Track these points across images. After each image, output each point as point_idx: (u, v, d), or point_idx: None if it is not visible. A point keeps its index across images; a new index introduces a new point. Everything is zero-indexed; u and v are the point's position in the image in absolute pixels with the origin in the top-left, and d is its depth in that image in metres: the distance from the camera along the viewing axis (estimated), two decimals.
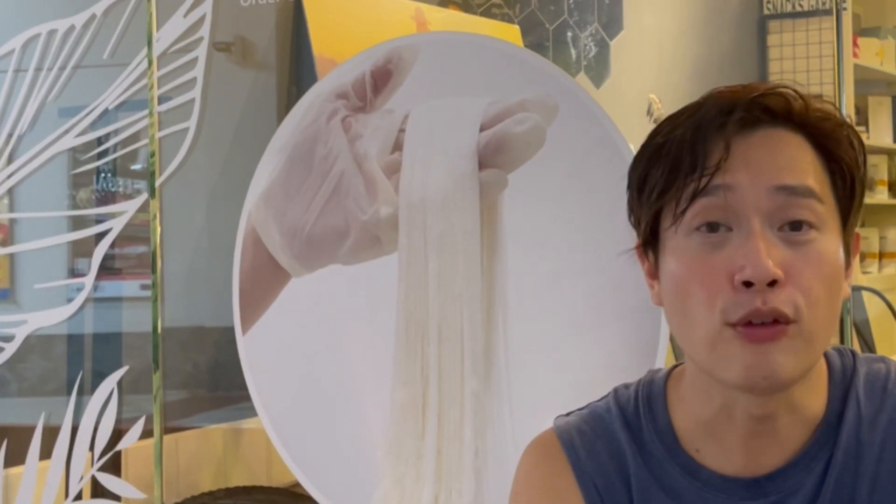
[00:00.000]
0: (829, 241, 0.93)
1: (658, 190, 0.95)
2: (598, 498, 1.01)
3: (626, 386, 1.07)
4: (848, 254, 0.97)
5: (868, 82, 4.70)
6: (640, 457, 1.02)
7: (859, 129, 4.90)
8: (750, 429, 0.97)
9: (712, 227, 0.93)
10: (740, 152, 0.93)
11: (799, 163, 0.94)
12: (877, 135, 4.87)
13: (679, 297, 0.95)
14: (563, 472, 1.03)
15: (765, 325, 0.90)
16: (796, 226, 0.92)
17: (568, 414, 1.08)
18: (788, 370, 0.92)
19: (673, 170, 0.94)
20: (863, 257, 4.71)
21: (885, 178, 4.91)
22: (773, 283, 0.90)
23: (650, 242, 0.99)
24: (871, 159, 4.86)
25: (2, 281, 2.58)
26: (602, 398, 1.08)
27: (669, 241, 0.96)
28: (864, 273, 4.68)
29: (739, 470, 0.98)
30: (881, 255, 4.89)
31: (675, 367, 1.06)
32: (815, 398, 0.98)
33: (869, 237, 4.82)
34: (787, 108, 0.95)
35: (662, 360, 1.55)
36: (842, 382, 1.00)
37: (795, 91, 0.96)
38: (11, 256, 2.46)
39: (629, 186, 1.00)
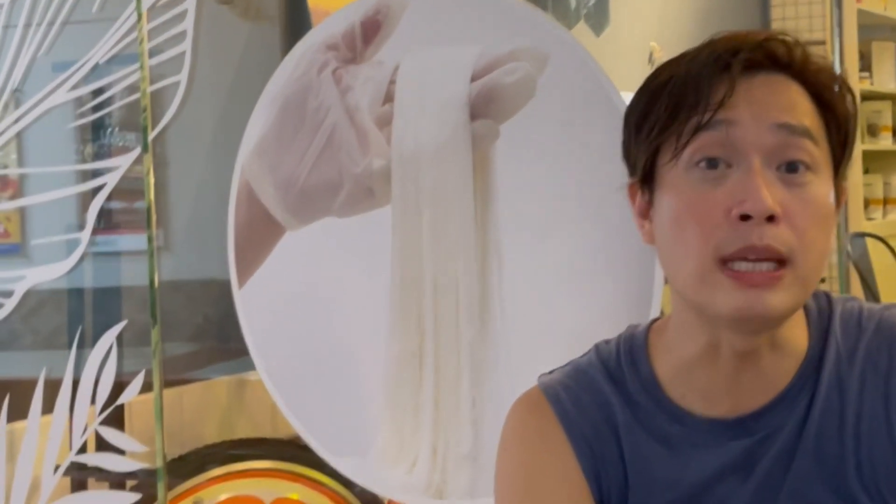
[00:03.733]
0: (822, 185, 0.96)
1: (660, 125, 0.97)
2: (587, 449, 1.02)
3: (607, 342, 1.08)
4: (837, 202, 0.99)
5: (872, 27, 4.66)
6: (626, 407, 1.03)
7: (863, 74, 4.88)
8: (734, 367, 0.99)
9: (712, 162, 0.95)
10: (743, 91, 0.95)
11: (798, 106, 0.96)
12: (881, 80, 4.84)
13: (674, 230, 0.96)
14: (551, 426, 1.04)
15: (759, 272, 0.92)
16: (792, 167, 0.95)
17: (551, 372, 1.09)
18: (780, 310, 0.94)
19: (676, 105, 0.96)
20: (867, 203, 4.70)
21: (889, 123, 4.88)
22: (770, 219, 0.92)
23: (646, 180, 1.00)
24: (875, 105, 4.82)
25: (14, 235, 2.60)
26: (584, 355, 1.09)
27: (667, 176, 0.97)
28: (869, 220, 4.67)
29: (725, 412, 1.00)
30: (885, 201, 4.88)
31: (655, 320, 1.08)
32: (797, 337, 1.01)
33: (873, 183, 4.81)
34: (788, 56, 0.97)
35: (657, 308, 1.56)
36: (819, 323, 1.02)
37: (797, 41, 0.98)
38: (22, 212, 2.48)
39: (626, 125, 1.02)
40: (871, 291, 3.76)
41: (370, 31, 1.62)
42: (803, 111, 0.96)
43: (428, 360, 1.63)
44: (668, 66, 0.99)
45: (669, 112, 0.96)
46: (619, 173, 1.54)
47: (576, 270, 1.59)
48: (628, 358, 1.05)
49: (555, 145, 1.58)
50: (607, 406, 1.03)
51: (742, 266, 0.93)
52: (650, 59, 3.46)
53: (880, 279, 3.89)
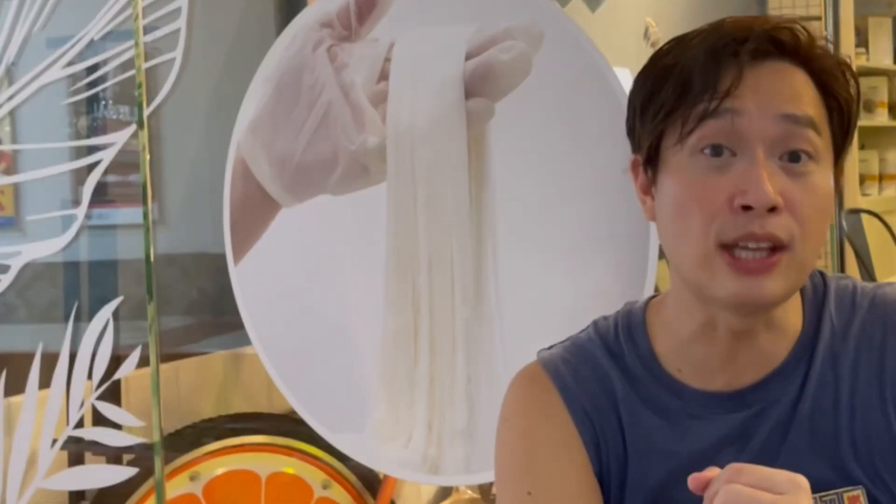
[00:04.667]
0: (824, 174, 0.98)
1: (666, 109, 0.98)
2: (588, 420, 1.04)
3: (605, 318, 1.10)
4: (837, 187, 1.01)
5: (868, 2, 4.65)
6: (625, 380, 1.05)
7: (859, 50, 4.87)
8: (731, 344, 1.01)
9: (716, 150, 0.97)
10: (751, 80, 0.97)
11: (803, 95, 0.98)
12: (877, 56, 4.83)
13: (676, 214, 0.98)
14: (551, 397, 1.05)
15: (757, 259, 0.95)
16: (795, 157, 0.97)
17: (550, 347, 1.11)
18: (778, 294, 0.97)
19: (684, 91, 0.97)
20: (862, 179, 4.71)
21: (885, 99, 4.87)
22: (772, 210, 0.94)
23: (650, 159, 1.01)
24: (871, 81, 4.81)
25: (7, 209, 2.60)
26: (582, 330, 1.10)
27: (671, 160, 0.99)
28: (864, 195, 4.68)
29: (722, 386, 1.02)
30: (881, 177, 4.88)
31: (653, 297, 1.10)
32: (792, 316, 1.03)
33: (868, 159, 4.81)
34: (795, 44, 0.99)
35: (651, 286, 1.57)
36: (814, 301, 1.05)
37: (803, 27, 1.00)
38: (16, 186, 2.47)
39: (630, 105, 1.03)
40: (866, 268, 3.77)
41: (365, 8, 1.62)
42: (808, 100, 0.98)
43: (423, 336, 1.64)
44: (675, 48, 1.00)
45: (676, 97, 0.97)
46: (612, 151, 1.55)
47: (570, 248, 1.59)
48: (626, 333, 1.06)
49: (549, 123, 1.58)
50: (606, 379, 1.05)
51: (742, 253, 0.95)
52: (646, 35, 3.45)
53: (875, 255, 3.90)
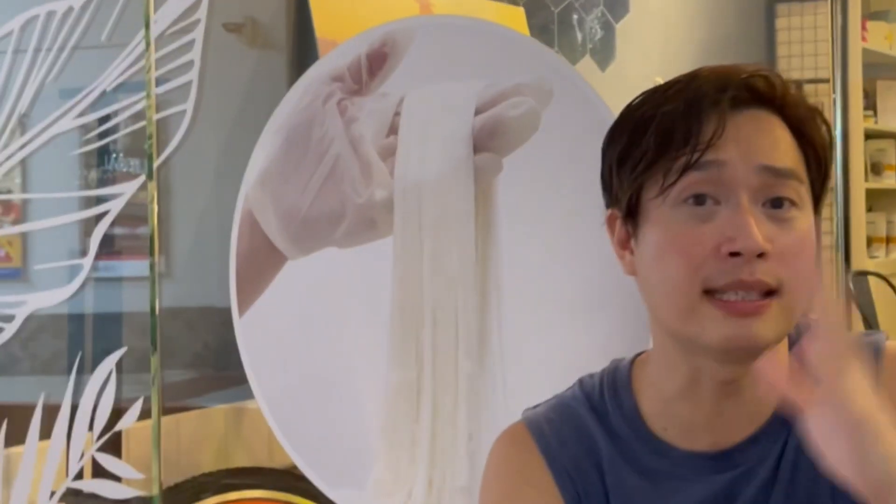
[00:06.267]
0: (806, 219, 0.98)
1: (646, 161, 0.97)
2: (570, 483, 1.02)
3: (591, 376, 1.09)
4: (817, 233, 1.01)
5: (877, 66, 4.67)
6: (609, 440, 1.03)
7: (867, 113, 4.89)
8: (716, 400, 0.99)
9: (699, 199, 0.96)
10: (732, 129, 0.96)
11: (782, 144, 0.98)
12: (885, 119, 4.85)
13: (660, 265, 0.97)
14: (534, 460, 1.04)
15: (748, 301, 0.93)
16: (778, 203, 0.96)
17: (535, 406, 1.10)
18: (767, 339, 0.95)
19: (664, 142, 0.96)
20: (870, 242, 4.70)
21: (893, 162, 4.88)
22: (760, 256, 0.93)
23: (629, 213, 1.00)
24: (880, 144, 4.83)
25: (15, 260, 2.60)
26: (568, 388, 1.10)
27: (653, 212, 0.98)
28: (872, 258, 4.66)
29: (708, 446, 1.00)
30: (888, 240, 4.87)
31: (639, 355, 1.09)
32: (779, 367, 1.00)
33: (876, 221, 4.80)
34: (771, 92, 0.99)
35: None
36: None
37: (777, 75, 1.00)
38: (24, 236, 2.48)
39: (605, 158, 1.02)
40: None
41: (376, 63, 1.63)
42: (787, 150, 0.98)
43: (426, 391, 1.63)
44: (650, 99, 0.99)
45: (656, 148, 0.96)
46: None
47: (575, 305, 1.59)
48: (612, 391, 1.05)
49: (557, 180, 1.58)
50: (590, 439, 1.04)
51: (731, 296, 0.94)
52: None
53: (883, 318, 3.89)
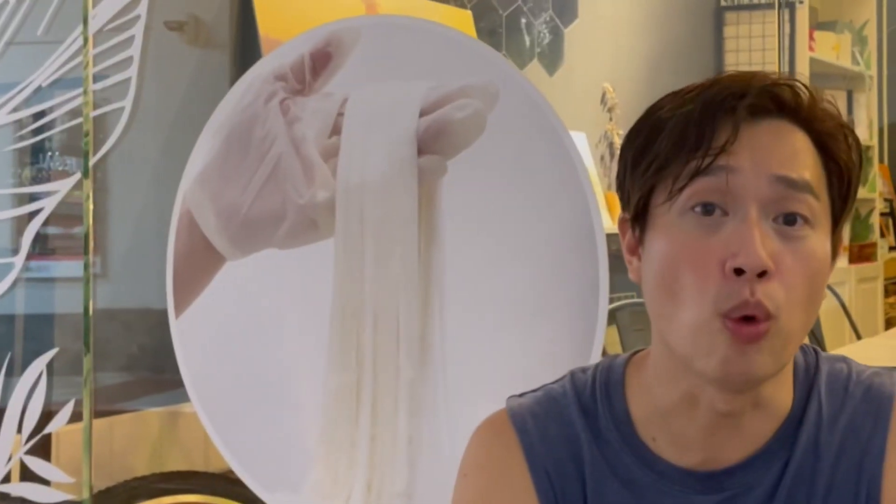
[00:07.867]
0: (819, 240, 0.93)
1: (658, 164, 0.94)
2: (548, 484, 0.99)
3: (584, 370, 1.04)
4: (834, 255, 0.96)
5: (824, 76, 4.73)
6: (595, 444, 0.99)
7: None
8: (712, 421, 0.95)
9: (707, 208, 0.92)
10: (747, 137, 0.92)
11: (800, 156, 0.93)
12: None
13: (668, 277, 0.93)
14: (514, 455, 1.00)
15: (751, 325, 0.89)
16: (790, 219, 0.92)
17: (521, 395, 1.05)
18: (765, 370, 0.91)
19: (676, 145, 0.93)
20: None
21: None
22: (762, 274, 0.89)
23: (638, 218, 0.97)
24: None
25: None
26: (557, 380, 1.05)
27: (661, 219, 0.95)
28: None
29: (696, 463, 0.97)
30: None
31: (636, 352, 1.04)
32: (782, 395, 0.97)
33: None
34: (795, 102, 0.94)
35: (599, 350, 1.54)
36: (805, 380, 0.99)
37: (804, 86, 0.95)
38: None
39: (621, 159, 0.99)
40: (817, 339, 3.78)
41: (320, 62, 1.61)
42: (806, 162, 0.93)
43: (365, 395, 1.61)
44: (670, 102, 0.96)
45: (669, 151, 0.93)
46: (564, 213, 1.54)
47: (518, 310, 1.57)
48: (603, 391, 1.01)
49: (502, 183, 1.57)
50: (575, 441, 1.00)
51: (736, 317, 0.90)
52: (603, 100, 3.48)
53: (826, 327, 3.92)
